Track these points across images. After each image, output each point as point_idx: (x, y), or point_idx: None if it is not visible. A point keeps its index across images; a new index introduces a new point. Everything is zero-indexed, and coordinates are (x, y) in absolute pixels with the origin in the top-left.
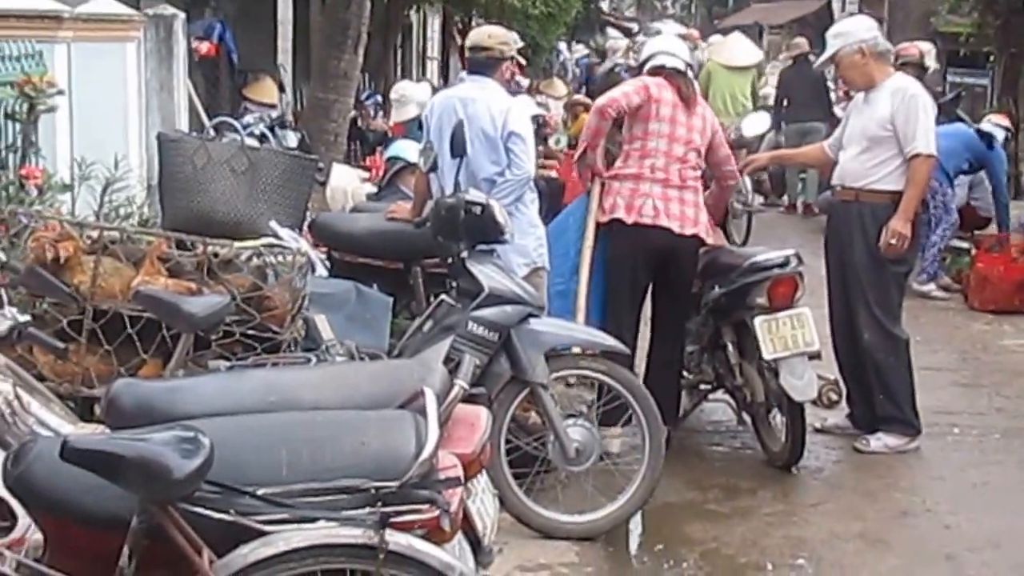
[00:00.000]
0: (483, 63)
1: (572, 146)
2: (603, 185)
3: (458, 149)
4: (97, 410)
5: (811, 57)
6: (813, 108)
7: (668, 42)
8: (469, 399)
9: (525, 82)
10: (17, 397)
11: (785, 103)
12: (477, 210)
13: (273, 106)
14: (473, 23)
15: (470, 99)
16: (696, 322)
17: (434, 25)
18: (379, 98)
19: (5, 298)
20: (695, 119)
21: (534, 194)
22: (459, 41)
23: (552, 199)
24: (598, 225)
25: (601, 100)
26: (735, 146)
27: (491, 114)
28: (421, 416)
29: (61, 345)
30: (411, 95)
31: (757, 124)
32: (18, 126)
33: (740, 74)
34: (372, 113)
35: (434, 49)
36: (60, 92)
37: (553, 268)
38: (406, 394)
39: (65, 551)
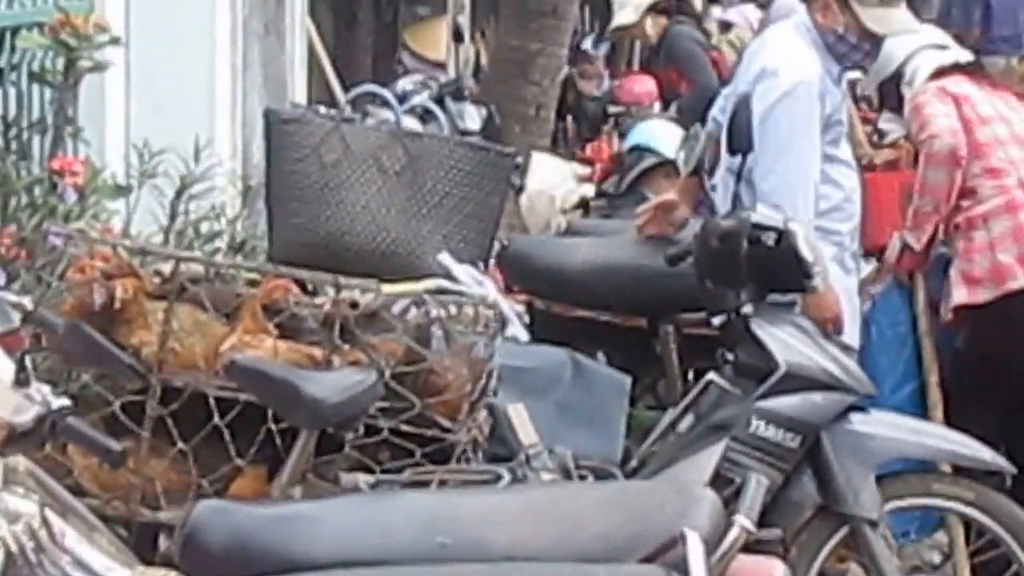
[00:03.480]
0: None
1: None
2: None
3: (738, 141)
4: (164, 544)
5: None
6: None
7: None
8: (755, 544)
9: None
10: (45, 523)
11: None
12: (769, 239)
13: (442, 65)
14: None
15: (759, 50)
16: None
17: None
18: (605, 47)
19: (30, 368)
20: (1022, 111)
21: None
22: None
23: None
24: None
25: (941, 143)
26: None
27: (750, 78)
28: (680, 575)
29: (115, 446)
30: None
31: None
32: (49, 93)
33: None
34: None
35: None
36: (114, 40)
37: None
38: (655, 537)
39: None
